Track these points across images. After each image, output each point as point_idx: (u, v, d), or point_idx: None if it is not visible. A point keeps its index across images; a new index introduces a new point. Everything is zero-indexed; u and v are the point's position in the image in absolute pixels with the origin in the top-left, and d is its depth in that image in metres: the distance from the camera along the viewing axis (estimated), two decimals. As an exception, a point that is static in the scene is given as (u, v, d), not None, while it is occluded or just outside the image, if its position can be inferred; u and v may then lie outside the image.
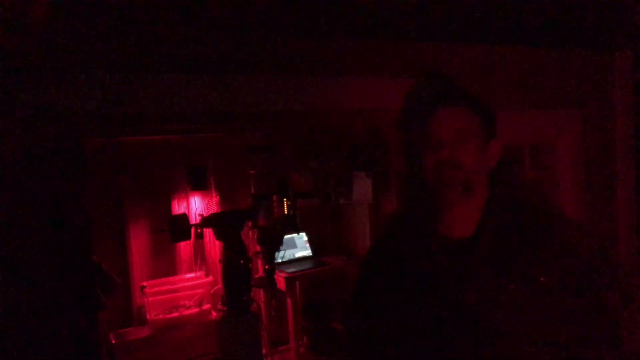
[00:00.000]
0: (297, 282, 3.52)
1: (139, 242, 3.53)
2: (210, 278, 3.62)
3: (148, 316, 3.35)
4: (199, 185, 3.64)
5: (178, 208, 3.62)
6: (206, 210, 3.62)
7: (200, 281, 3.57)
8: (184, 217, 2.35)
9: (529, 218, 1.11)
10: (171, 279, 3.59)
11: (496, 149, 1.16)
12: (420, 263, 1.13)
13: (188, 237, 2.35)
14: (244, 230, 2.46)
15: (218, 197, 3.72)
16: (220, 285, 2.80)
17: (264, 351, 3.03)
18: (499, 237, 1.09)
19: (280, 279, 3.36)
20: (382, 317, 1.18)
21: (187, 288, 3.51)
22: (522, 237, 1.08)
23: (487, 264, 1.06)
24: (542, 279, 1.04)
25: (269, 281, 2.50)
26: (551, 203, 1.21)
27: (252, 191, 2.61)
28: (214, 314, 3.43)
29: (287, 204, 2.75)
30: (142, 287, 3.41)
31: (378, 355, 1.21)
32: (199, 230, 3.33)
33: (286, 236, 3.22)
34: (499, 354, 1.03)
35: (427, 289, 1.11)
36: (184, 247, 3.67)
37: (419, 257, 1.14)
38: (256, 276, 2.70)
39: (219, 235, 2.36)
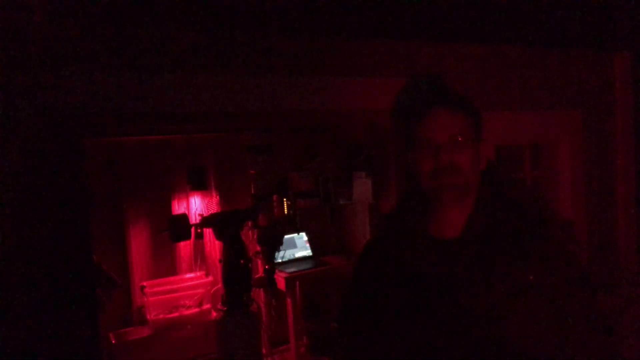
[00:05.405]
0: (297, 282, 3.52)
1: (139, 242, 3.53)
2: (210, 278, 3.62)
3: (148, 316, 3.35)
4: (199, 185, 3.64)
5: (178, 208, 3.62)
6: (206, 210, 3.62)
7: (200, 281, 3.57)
8: (184, 217, 2.35)
9: (517, 217, 1.12)
10: (171, 279, 3.59)
11: (485, 151, 1.16)
12: (411, 263, 1.14)
13: (188, 237, 2.35)
14: (244, 230, 2.46)
15: (218, 197, 3.72)
16: (220, 285, 2.81)
17: (264, 351, 3.03)
18: (487, 236, 1.09)
19: (280, 279, 3.36)
20: (374, 315, 1.18)
21: (187, 288, 3.51)
22: (511, 236, 1.08)
23: (475, 263, 1.07)
24: (530, 277, 1.04)
25: (269, 281, 2.50)
26: (540, 201, 1.20)
27: (252, 191, 2.61)
28: (214, 314, 3.43)
29: (287, 204, 2.75)
30: (142, 287, 3.41)
31: (369, 354, 1.21)
32: (199, 230, 3.33)
33: (286, 236, 3.23)
34: (490, 353, 1.03)
35: (418, 288, 1.11)
36: (184, 247, 3.67)
37: (409, 257, 1.14)
38: (256, 276, 2.70)
39: (219, 235, 2.36)
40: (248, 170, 3.55)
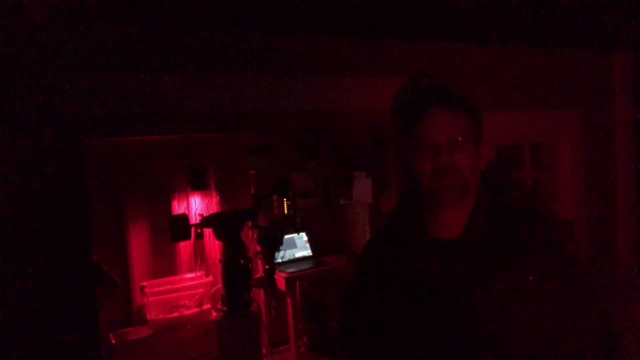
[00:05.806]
0: (297, 282, 3.52)
1: (139, 242, 3.53)
2: (210, 278, 3.62)
3: (148, 316, 3.35)
4: (199, 185, 3.64)
5: (178, 208, 3.62)
6: (206, 210, 3.62)
7: (200, 281, 3.57)
8: (184, 217, 2.35)
9: (517, 217, 1.12)
10: (171, 279, 3.59)
11: (485, 152, 1.16)
12: (411, 263, 1.13)
13: (188, 237, 2.35)
14: (244, 230, 2.46)
15: (218, 197, 3.72)
16: (220, 285, 2.81)
17: (264, 351, 3.03)
18: (487, 236, 1.09)
19: (280, 279, 3.36)
20: (374, 316, 1.18)
21: (187, 288, 3.51)
22: (511, 237, 1.08)
23: (475, 264, 1.07)
24: (530, 278, 1.04)
25: (269, 281, 2.50)
26: (540, 202, 1.21)
27: (252, 191, 2.61)
28: (214, 314, 3.43)
29: (287, 204, 2.75)
30: (142, 287, 3.41)
31: (369, 354, 1.21)
32: (199, 230, 3.33)
33: (286, 236, 3.23)
34: (490, 354, 1.03)
35: (418, 289, 1.11)
36: (184, 247, 3.67)
37: (409, 258, 1.14)
38: (256, 276, 2.70)
39: (219, 235, 2.36)
40: (248, 170, 3.55)
